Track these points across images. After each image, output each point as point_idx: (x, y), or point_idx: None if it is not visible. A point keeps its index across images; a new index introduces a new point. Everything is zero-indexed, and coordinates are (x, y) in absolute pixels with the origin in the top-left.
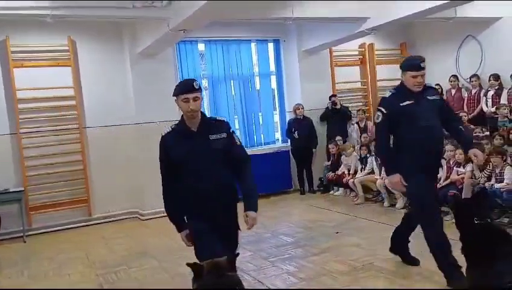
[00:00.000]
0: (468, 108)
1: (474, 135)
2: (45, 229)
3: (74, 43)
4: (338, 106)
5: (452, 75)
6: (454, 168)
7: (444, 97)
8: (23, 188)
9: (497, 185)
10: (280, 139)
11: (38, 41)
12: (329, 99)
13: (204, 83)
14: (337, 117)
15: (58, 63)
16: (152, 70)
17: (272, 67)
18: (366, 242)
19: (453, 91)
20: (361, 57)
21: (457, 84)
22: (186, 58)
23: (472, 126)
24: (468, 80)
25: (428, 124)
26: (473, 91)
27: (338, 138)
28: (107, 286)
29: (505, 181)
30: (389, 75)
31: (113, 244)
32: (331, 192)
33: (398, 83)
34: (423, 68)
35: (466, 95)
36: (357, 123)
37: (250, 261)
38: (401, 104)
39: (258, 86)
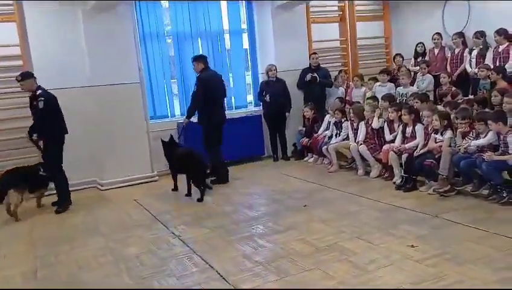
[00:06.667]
0: (452, 68)
1: (455, 100)
2: None
3: None
4: (318, 80)
5: (436, 33)
6: (432, 135)
7: (427, 57)
8: None
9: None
10: (253, 102)
11: None
12: (309, 59)
13: (169, 41)
14: (316, 85)
15: (2, 19)
16: (107, 27)
17: (244, 24)
18: (333, 217)
19: (436, 50)
20: (340, 13)
21: (441, 43)
22: (147, 13)
23: (453, 88)
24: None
25: None
26: (456, 50)
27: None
28: (41, 271)
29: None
30: (370, 33)
31: (64, 217)
32: (306, 159)
33: (379, 41)
34: None
35: (449, 54)
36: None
37: (205, 240)
38: None
39: (228, 45)
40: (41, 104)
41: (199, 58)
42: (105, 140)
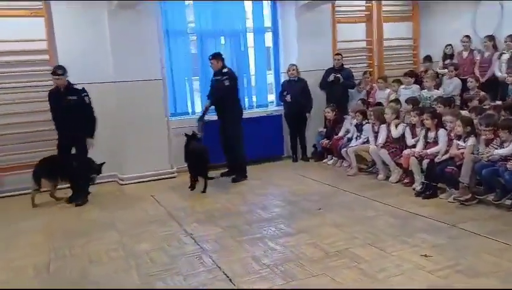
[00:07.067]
0: (480, 72)
1: (482, 105)
2: (15, 191)
3: None
4: (341, 80)
5: (465, 36)
6: (455, 141)
7: (455, 60)
8: None
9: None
10: (274, 101)
11: None
12: (334, 59)
13: (192, 38)
14: (338, 86)
15: (31, 13)
16: (131, 24)
17: (267, 22)
18: (347, 222)
19: (465, 54)
20: (367, 13)
21: (470, 46)
22: (172, 11)
23: (482, 93)
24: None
25: None
26: (486, 54)
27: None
28: (54, 263)
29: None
30: (397, 34)
31: (83, 211)
32: (325, 160)
33: (407, 42)
34: None
35: (478, 57)
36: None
37: (216, 239)
38: None
39: (251, 43)
40: (87, 100)
41: (218, 56)
42: (126, 135)
